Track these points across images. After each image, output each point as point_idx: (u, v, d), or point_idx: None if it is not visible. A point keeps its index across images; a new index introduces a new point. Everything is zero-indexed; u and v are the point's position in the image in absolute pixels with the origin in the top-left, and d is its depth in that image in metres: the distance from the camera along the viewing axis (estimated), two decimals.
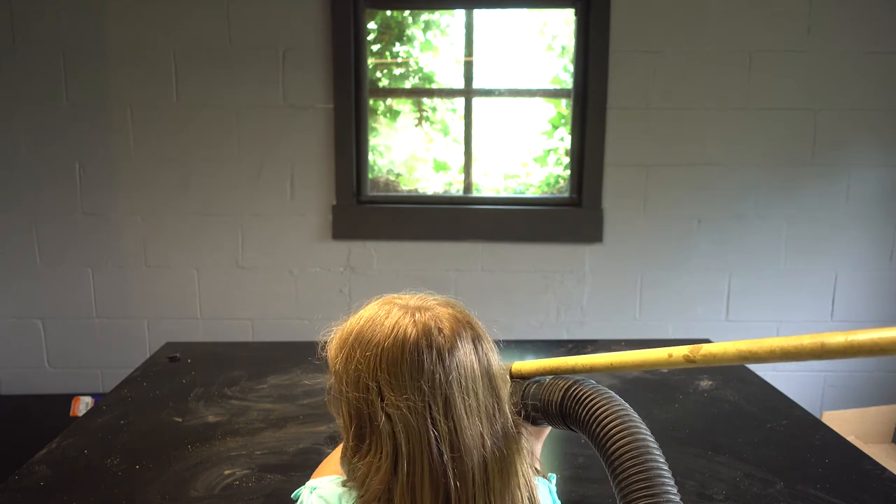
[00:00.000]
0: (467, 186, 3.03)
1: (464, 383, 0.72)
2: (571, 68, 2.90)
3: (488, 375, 0.75)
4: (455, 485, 0.71)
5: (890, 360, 2.93)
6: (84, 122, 2.81)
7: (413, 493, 0.71)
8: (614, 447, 0.69)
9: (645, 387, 1.82)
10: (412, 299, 0.78)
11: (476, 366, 0.74)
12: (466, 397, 0.72)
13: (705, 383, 1.83)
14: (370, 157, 3.00)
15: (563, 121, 3.06)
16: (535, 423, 0.83)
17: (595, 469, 1.37)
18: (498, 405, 0.76)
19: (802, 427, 1.56)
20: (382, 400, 0.71)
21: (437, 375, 0.71)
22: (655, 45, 2.76)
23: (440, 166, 3.14)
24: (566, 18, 2.99)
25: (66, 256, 2.90)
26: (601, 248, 2.90)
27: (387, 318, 0.75)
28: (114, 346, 2.95)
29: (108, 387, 2.85)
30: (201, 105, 2.81)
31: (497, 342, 0.80)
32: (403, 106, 3.15)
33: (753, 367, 1.98)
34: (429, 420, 0.71)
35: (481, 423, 0.73)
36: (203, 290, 2.93)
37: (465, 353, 0.73)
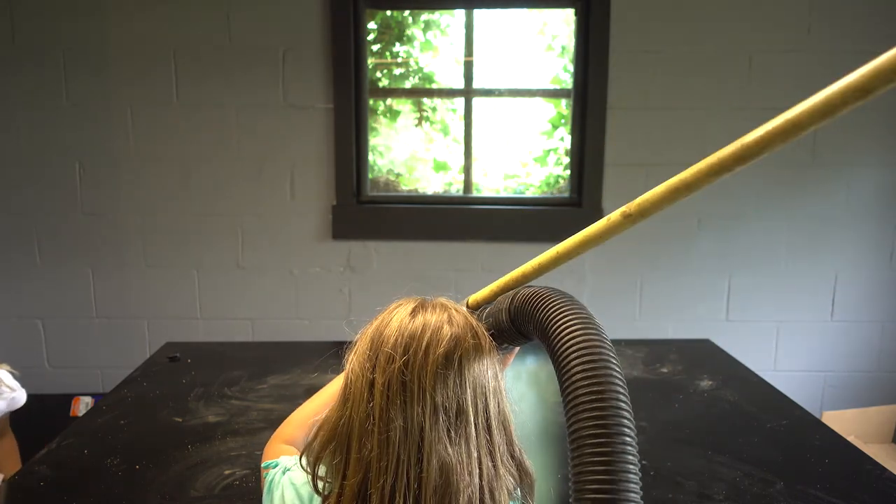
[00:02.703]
0: (467, 186, 3.03)
1: (411, 367, 0.72)
2: (571, 68, 2.90)
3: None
4: (375, 453, 0.71)
5: (890, 360, 2.93)
6: (84, 122, 2.81)
7: (348, 445, 0.73)
8: (561, 339, 0.65)
9: (645, 387, 1.82)
10: (438, 303, 0.79)
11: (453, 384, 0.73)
12: (420, 393, 0.71)
13: (705, 383, 1.83)
14: (370, 157, 3.00)
15: (563, 121, 3.06)
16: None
17: None
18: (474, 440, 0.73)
19: (802, 427, 1.56)
20: (352, 359, 0.77)
21: (399, 358, 0.72)
22: (655, 45, 2.76)
23: (440, 166, 3.14)
24: (566, 18, 2.99)
25: (66, 256, 2.90)
26: (601, 249, 2.89)
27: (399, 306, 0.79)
28: (114, 346, 2.95)
29: (108, 387, 2.85)
30: (201, 105, 2.81)
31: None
32: (403, 106, 3.15)
33: (753, 367, 1.98)
34: (369, 380, 0.73)
35: (438, 435, 0.71)
36: (203, 290, 2.93)
37: (436, 359, 0.73)
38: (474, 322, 0.78)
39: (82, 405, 2.90)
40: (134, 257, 2.91)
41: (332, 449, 0.75)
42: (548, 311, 0.69)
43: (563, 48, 3.02)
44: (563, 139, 3.05)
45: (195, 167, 2.85)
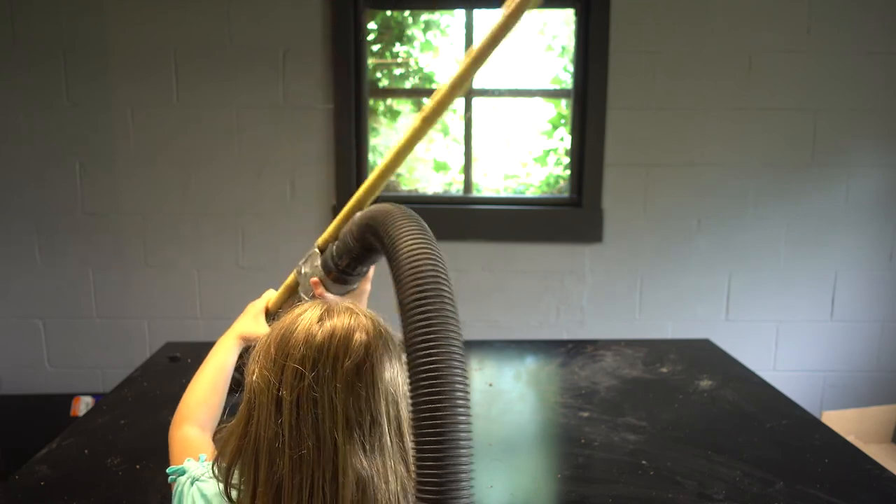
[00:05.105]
0: (467, 186, 3.03)
1: (321, 382, 0.70)
2: (571, 68, 2.90)
3: (352, 391, 0.71)
4: (287, 471, 0.69)
5: (890, 360, 2.93)
6: (84, 122, 2.81)
7: (256, 463, 0.71)
8: (401, 260, 0.67)
9: (645, 387, 1.82)
10: (345, 307, 0.77)
11: (344, 375, 0.71)
12: (320, 396, 0.70)
13: (705, 383, 1.83)
14: (370, 158, 3.00)
15: (563, 121, 3.06)
16: (344, 278, 0.86)
17: (595, 469, 1.37)
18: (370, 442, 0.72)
19: (802, 427, 1.56)
20: (255, 369, 0.75)
21: (308, 373, 0.70)
22: (655, 45, 2.76)
23: (440, 166, 3.14)
24: (566, 18, 3.00)
25: (66, 256, 2.90)
26: (601, 248, 2.90)
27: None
28: (114, 346, 2.95)
29: (108, 387, 2.85)
30: (201, 105, 2.81)
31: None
32: (403, 106, 3.15)
33: (753, 367, 1.98)
34: (276, 396, 0.71)
35: (336, 435, 0.70)
36: (203, 290, 2.93)
37: (341, 359, 0.71)
38: (381, 323, 0.76)
39: (83, 405, 2.90)
40: (134, 257, 2.91)
41: (239, 465, 0.73)
42: (388, 225, 0.72)
43: (563, 48, 3.02)
44: (563, 139, 3.05)
45: (195, 167, 2.85)
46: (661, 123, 2.80)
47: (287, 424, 0.70)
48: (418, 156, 3.18)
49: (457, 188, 3.08)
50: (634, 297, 2.93)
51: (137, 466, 1.35)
